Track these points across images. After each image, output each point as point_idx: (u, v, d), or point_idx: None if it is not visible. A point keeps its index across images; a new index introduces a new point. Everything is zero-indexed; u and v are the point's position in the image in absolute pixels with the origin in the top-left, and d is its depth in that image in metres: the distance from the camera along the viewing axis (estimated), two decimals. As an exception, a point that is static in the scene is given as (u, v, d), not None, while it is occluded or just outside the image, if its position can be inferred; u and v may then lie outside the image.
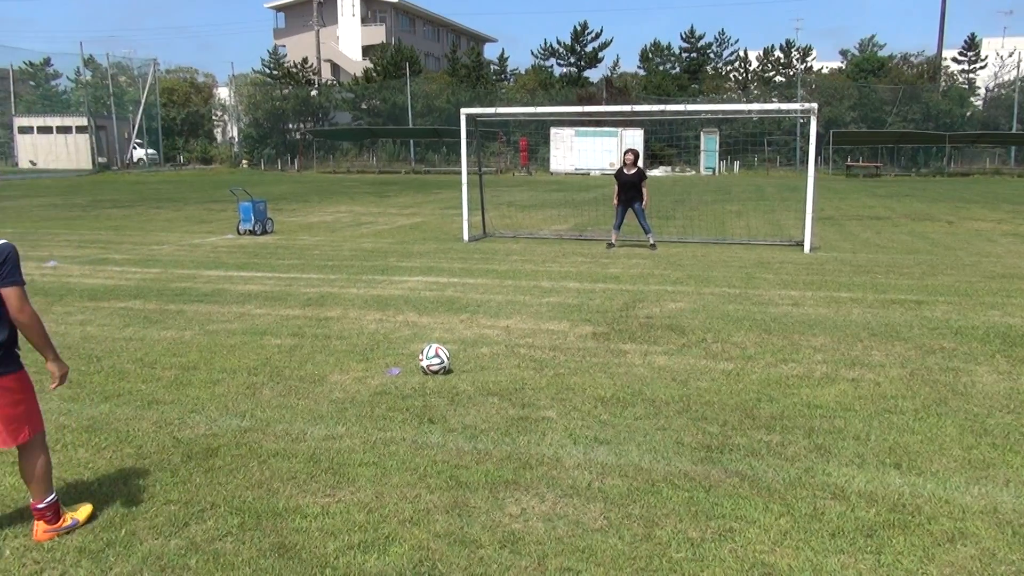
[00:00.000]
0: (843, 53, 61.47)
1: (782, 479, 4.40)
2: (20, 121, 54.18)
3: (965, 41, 57.57)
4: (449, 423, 5.28)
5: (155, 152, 57.18)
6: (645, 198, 14.18)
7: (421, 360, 6.38)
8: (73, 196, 28.75)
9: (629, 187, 14.12)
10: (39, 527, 3.81)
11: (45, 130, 53.43)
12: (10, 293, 3.53)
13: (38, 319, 3.64)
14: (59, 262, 12.45)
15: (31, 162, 52.50)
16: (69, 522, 3.86)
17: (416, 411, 5.51)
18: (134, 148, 56.71)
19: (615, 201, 14.35)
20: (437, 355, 6.36)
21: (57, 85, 62.56)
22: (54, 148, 52.41)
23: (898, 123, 50.28)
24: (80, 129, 52.32)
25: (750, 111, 19.03)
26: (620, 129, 46.21)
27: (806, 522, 3.92)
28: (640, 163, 14.49)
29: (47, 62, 61.56)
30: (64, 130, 52.83)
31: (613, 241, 14.56)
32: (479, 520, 3.94)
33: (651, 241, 14.28)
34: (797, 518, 3.96)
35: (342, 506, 4.08)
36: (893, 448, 4.83)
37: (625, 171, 14.15)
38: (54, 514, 3.82)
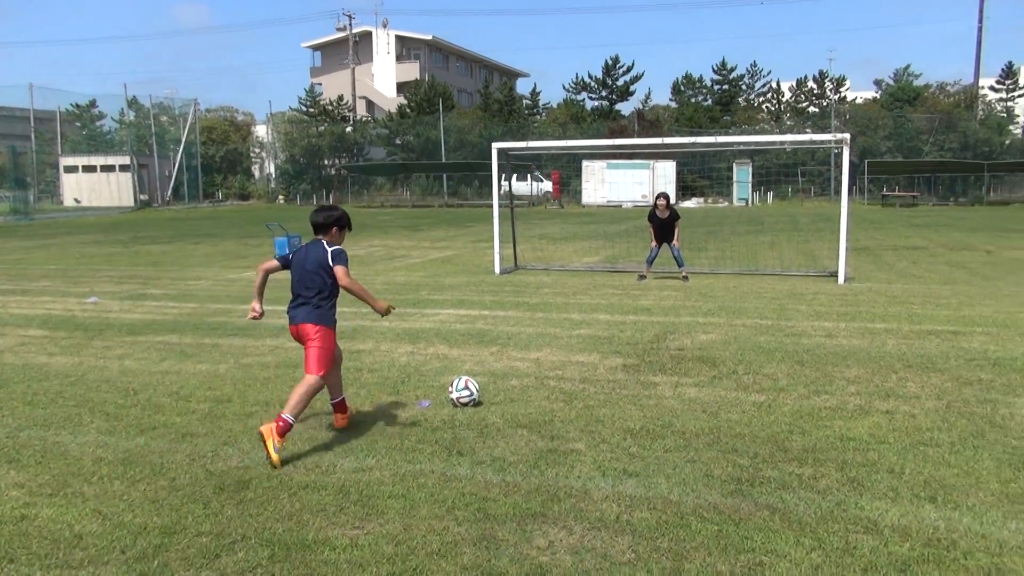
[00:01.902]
0: (878, 83, 61.11)
1: (814, 512, 4.34)
2: (66, 160, 55.74)
3: (1003, 69, 57.13)
4: (478, 455, 5.29)
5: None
6: (677, 236, 14.51)
7: (451, 392, 6.41)
8: (115, 233, 29.42)
9: (664, 228, 14.52)
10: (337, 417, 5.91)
11: (89, 169, 54.90)
12: (340, 270, 5.37)
13: (359, 284, 5.46)
14: (99, 298, 12.73)
15: (75, 200, 53.85)
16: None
17: (445, 443, 5.53)
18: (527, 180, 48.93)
19: (652, 243, 14.73)
20: (467, 387, 6.39)
21: (102, 126, 64.11)
22: (98, 186, 53.80)
23: (935, 152, 49.71)
24: (123, 168, 53.73)
25: (783, 142, 18.97)
26: (652, 161, 46.30)
27: (838, 556, 3.86)
28: (672, 203, 14.93)
29: (93, 104, 63.25)
30: (108, 169, 54.25)
31: (645, 273, 14.58)
32: (507, 553, 3.94)
33: (683, 273, 14.28)
34: (829, 552, 3.90)
35: (371, 538, 4.10)
36: (928, 481, 4.75)
37: (658, 214, 14.46)
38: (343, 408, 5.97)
